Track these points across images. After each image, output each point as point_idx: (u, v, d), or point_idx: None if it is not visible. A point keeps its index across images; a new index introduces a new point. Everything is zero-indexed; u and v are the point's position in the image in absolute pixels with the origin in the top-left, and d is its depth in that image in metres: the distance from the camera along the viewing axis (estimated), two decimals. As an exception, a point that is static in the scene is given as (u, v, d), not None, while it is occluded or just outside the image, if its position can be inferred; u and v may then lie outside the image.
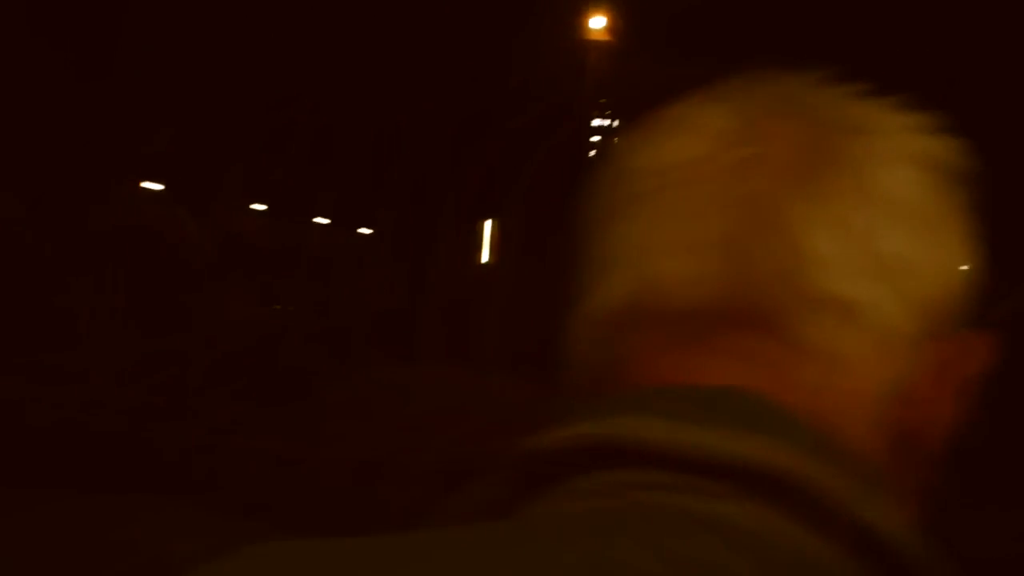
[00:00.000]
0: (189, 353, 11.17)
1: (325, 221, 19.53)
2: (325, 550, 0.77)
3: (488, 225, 23.82)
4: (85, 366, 10.12)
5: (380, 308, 15.04)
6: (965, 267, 0.94)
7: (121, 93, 12.19)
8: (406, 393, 10.49)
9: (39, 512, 6.42)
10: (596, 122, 22.46)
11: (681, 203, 0.89)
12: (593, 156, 23.24)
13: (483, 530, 0.79)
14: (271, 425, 9.36)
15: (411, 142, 18.49)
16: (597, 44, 19.40)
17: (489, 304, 17.11)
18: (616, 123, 22.66)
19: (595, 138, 22.08)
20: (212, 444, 8.48)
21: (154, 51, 12.24)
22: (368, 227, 21.44)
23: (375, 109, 17.35)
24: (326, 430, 9.01)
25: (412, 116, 18.17)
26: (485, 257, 23.97)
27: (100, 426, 8.67)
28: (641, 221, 0.90)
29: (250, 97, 14.28)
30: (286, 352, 12.01)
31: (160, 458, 8.01)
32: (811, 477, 0.78)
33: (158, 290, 11.51)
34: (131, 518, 6.32)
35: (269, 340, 12.52)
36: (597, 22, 19.46)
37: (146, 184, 13.88)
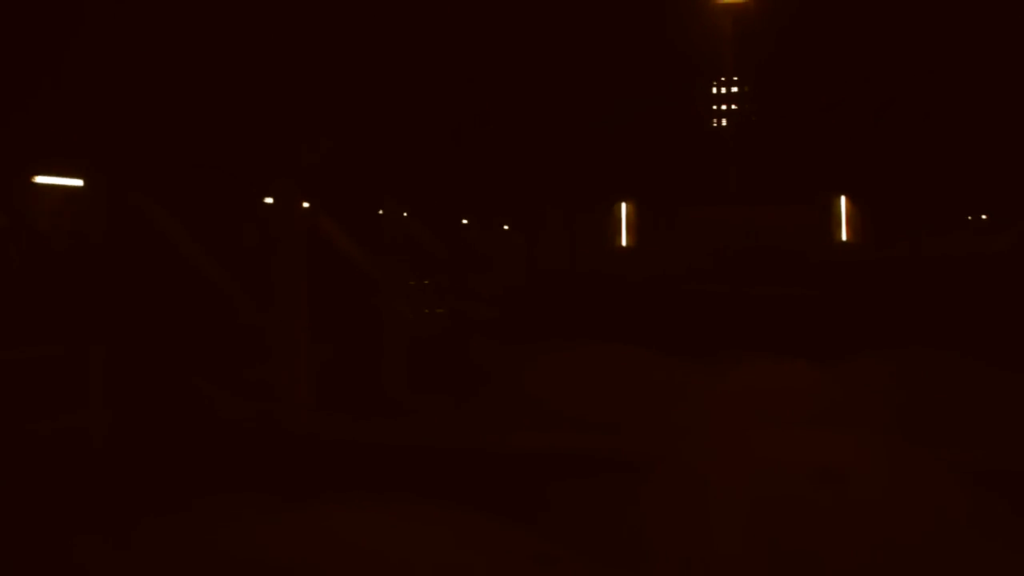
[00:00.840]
0: (375, 355, 11.38)
1: (465, 222, 19.69)
2: None
3: (624, 208, 23.70)
4: (283, 378, 10.37)
5: (526, 297, 15.16)
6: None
7: (272, 110, 12.43)
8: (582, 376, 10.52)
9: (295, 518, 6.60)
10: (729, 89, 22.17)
11: None
12: (727, 126, 22.95)
13: None
14: (471, 417, 9.48)
15: (540, 131, 18.50)
16: (729, 8, 19.09)
17: (623, 285, 17.06)
18: (747, 89, 22.33)
19: (733, 106, 21.79)
20: (436, 443, 8.57)
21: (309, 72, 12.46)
22: (506, 224, 21.55)
23: (506, 105, 17.40)
24: (527, 419, 9.09)
25: (542, 105, 18.19)
26: (624, 240, 23.86)
27: (329, 434, 8.86)
28: None
29: (396, 111, 14.44)
30: (459, 343, 12.17)
31: (396, 459, 8.13)
32: None
33: (332, 298, 11.76)
34: (399, 523, 6.43)
35: (443, 334, 12.70)
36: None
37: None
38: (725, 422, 8.71)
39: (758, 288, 15.85)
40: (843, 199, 21.18)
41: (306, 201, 12.43)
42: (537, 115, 17.41)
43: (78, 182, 11.52)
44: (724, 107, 22.05)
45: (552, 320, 13.58)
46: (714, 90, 22.02)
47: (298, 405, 10.29)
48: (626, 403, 9.59)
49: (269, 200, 11.68)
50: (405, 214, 17.55)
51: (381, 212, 14.57)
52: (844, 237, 21.42)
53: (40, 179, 12.06)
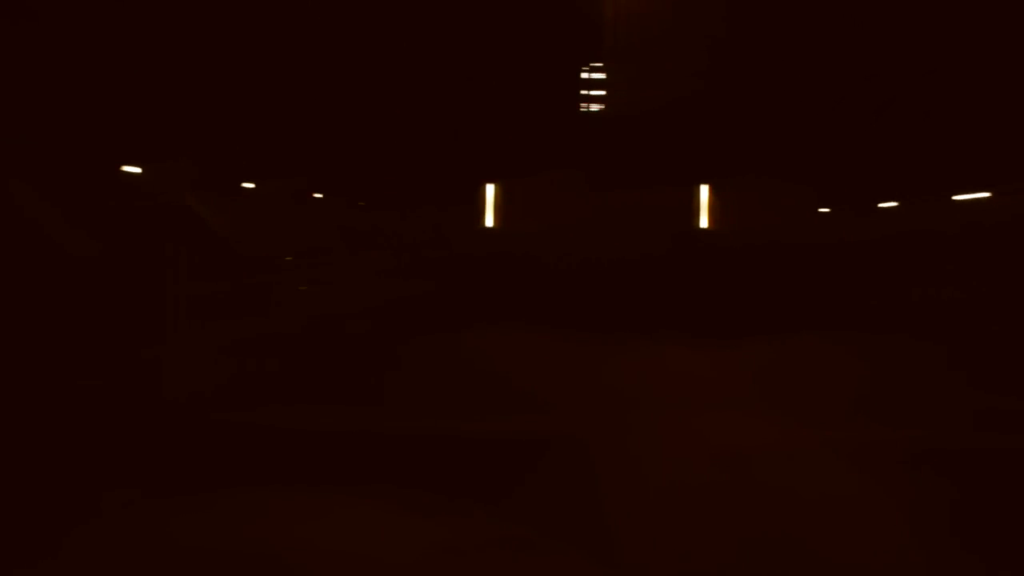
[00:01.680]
0: (275, 336, 11.09)
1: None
2: None
3: (490, 190, 23.72)
4: (177, 361, 9.99)
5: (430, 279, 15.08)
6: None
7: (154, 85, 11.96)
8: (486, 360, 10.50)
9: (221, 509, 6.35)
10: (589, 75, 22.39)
11: None
12: (591, 111, 23.20)
13: None
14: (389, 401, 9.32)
15: (407, 116, 18.35)
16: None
17: (496, 268, 17.12)
18: (613, 75, 22.59)
19: (595, 92, 22.02)
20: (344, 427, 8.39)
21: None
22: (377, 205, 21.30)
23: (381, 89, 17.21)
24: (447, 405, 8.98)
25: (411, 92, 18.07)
26: (489, 222, 23.89)
27: (236, 419, 8.59)
28: None
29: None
30: (364, 324, 11.99)
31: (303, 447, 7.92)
32: None
33: (231, 279, 11.42)
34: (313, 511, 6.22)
35: (347, 315, 12.50)
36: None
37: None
38: (654, 404, 8.90)
39: (652, 272, 16.16)
40: (705, 187, 21.67)
41: (192, 180, 12.03)
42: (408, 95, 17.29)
43: None
44: (593, 92, 22.26)
45: (454, 303, 13.51)
46: (584, 75, 22.20)
47: (193, 390, 9.93)
48: (541, 386, 9.63)
49: (158, 183, 11.27)
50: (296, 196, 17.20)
51: (269, 193, 14.24)
52: (705, 224, 21.92)
53: None
